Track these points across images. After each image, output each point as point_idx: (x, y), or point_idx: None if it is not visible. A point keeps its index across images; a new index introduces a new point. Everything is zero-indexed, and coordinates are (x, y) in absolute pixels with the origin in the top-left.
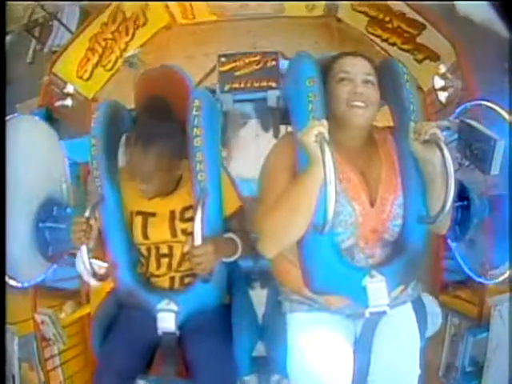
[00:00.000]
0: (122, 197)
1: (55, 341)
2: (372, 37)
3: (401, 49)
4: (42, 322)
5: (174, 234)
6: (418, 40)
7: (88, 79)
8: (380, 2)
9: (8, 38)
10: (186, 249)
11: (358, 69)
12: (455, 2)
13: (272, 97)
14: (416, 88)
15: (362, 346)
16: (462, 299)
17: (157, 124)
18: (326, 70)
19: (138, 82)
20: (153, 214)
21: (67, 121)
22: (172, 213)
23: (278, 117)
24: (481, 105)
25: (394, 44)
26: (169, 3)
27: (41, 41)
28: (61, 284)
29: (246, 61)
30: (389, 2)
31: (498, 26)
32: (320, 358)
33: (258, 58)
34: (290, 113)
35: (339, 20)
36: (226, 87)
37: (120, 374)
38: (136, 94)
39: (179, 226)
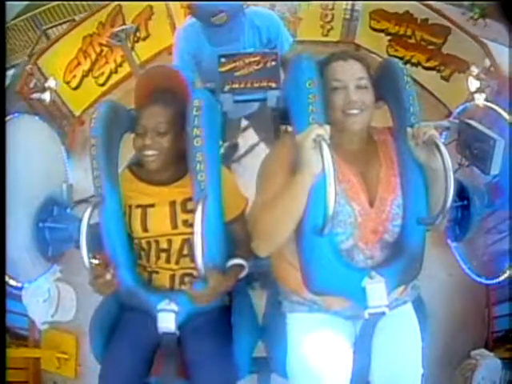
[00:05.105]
0: (122, 196)
1: None
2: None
3: (425, 68)
4: None
5: (174, 225)
6: (444, 50)
7: (76, 88)
8: (401, 13)
9: (11, 72)
10: (189, 291)
11: (349, 75)
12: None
13: (272, 97)
14: (445, 115)
15: (362, 347)
16: None
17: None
18: (320, 74)
19: (138, 81)
20: (152, 205)
21: None
22: (172, 203)
23: (278, 117)
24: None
25: (417, 64)
26: (174, 18)
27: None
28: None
29: (246, 61)
30: (411, 10)
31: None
32: (319, 358)
33: (258, 58)
34: (290, 114)
35: (358, 46)
36: (226, 87)
37: (126, 380)
38: (136, 93)
39: (180, 216)
